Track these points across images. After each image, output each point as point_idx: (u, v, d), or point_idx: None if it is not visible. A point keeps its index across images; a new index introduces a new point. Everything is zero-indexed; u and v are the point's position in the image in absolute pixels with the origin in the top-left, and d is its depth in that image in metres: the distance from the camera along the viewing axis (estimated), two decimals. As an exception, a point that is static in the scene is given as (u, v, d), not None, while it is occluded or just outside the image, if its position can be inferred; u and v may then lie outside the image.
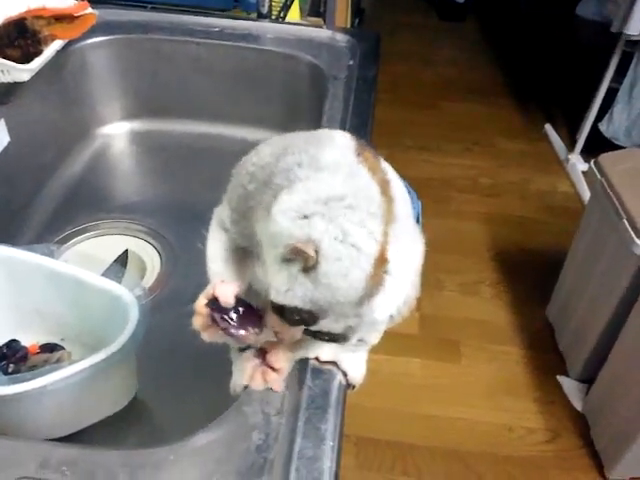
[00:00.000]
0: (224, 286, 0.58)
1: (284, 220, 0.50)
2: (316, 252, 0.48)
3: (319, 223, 0.49)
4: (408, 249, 0.56)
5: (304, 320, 0.52)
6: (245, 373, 0.64)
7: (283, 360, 0.62)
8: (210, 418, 0.62)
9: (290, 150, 0.54)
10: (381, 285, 0.50)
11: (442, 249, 2.05)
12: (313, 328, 0.53)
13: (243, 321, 0.58)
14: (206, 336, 0.61)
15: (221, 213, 0.62)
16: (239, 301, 0.59)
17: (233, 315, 0.58)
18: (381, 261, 0.50)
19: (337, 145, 0.55)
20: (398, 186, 0.58)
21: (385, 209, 0.51)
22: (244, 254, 0.62)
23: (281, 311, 0.52)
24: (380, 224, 0.50)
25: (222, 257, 0.62)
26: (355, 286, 0.49)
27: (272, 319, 0.55)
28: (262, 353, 0.64)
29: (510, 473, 1.62)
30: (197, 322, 0.60)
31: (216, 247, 0.63)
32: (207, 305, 0.58)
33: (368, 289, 0.49)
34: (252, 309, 0.59)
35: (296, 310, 0.51)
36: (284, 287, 0.50)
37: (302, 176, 0.51)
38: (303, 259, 0.48)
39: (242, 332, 0.58)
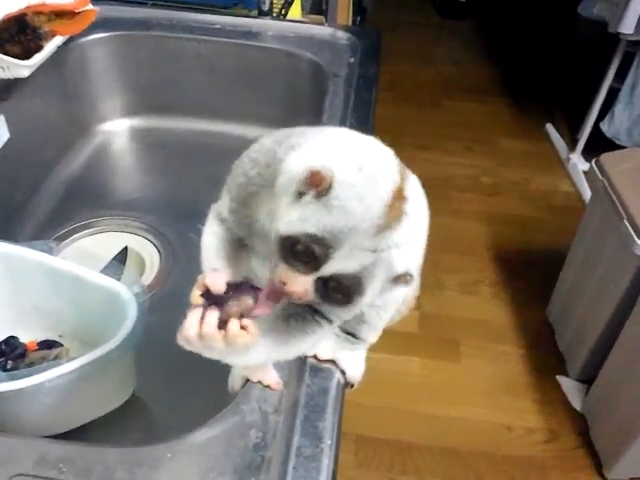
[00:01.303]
0: (214, 274, 0.57)
1: (295, 164, 0.50)
2: (331, 177, 0.47)
3: (333, 156, 0.49)
4: (423, 207, 0.54)
5: (316, 255, 0.48)
6: (193, 323, 0.55)
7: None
8: (208, 416, 0.62)
9: (293, 133, 0.55)
10: (399, 220, 0.48)
11: (442, 248, 2.05)
12: (326, 272, 0.49)
13: (236, 295, 0.56)
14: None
15: (219, 206, 0.62)
16: (231, 286, 0.56)
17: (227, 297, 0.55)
18: (399, 196, 0.48)
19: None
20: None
21: (400, 165, 0.51)
22: (239, 247, 0.62)
23: (292, 248, 0.48)
24: (397, 168, 0.50)
25: (216, 248, 0.61)
26: (371, 212, 0.47)
27: (279, 269, 0.50)
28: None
29: (509, 473, 1.62)
30: (192, 318, 0.55)
31: (211, 240, 0.62)
32: (202, 296, 0.56)
33: (386, 220, 0.47)
34: (245, 284, 0.57)
35: (308, 239, 0.47)
36: (296, 216, 0.48)
37: (309, 140, 0.52)
38: (317, 184, 0.47)
39: (234, 308, 0.55)
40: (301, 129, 0.56)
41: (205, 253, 0.62)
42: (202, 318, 0.54)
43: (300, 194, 0.48)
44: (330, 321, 0.58)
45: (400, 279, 0.51)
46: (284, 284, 0.50)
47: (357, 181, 0.47)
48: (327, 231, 0.47)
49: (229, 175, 0.60)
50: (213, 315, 0.54)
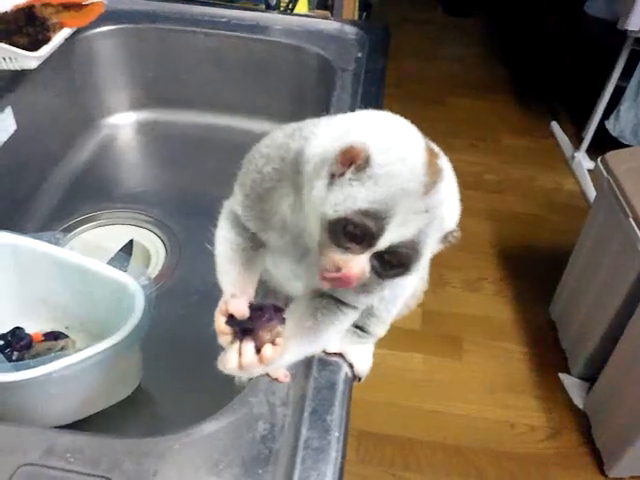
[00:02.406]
0: (235, 301, 0.58)
1: (321, 149, 0.50)
2: (366, 149, 0.46)
3: (359, 130, 0.49)
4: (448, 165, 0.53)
5: (371, 231, 0.46)
6: (233, 357, 0.58)
7: (275, 352, 0.58)
8: (214, 408, 0.62)
9: (303, 126, 0.56)
10: (441, 174, 0.48)
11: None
12: (382, 246, 0.48)
13: (264, 322, 0.58)
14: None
15: (231, 203, 0.62)
16: (253, 307, 0.59)
17: (254, 323, 0.59)
18: (432, 153, 0.49)
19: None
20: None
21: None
22: (252, 250, 0.62)
23: (344, 230, 0.47)
24: (422, 141, 0.50)
25: (230, 258, 0.62)
26: (415, 170, 0.47)
27: (333, 255, 0.49)
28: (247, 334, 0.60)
29: (510, 470, 1.62)
30: (223, 341, 0.59)
31: (224, 247, 0.63)
32: (227, 323, 0.59)
33: (430, 175, 0.47)
34: (268, 307, 0.59)
35: (361, 217, 0.46)
36: (340, 197, 0.47)
37: (322, 128, 0.53)
38: (355, 159, 0.46)
39: (267, 335, 0.58)
40: (311, 121, 0.56)
41: (220, 264, 0.63)
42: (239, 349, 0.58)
43: (336, 175, 0.47)
44: (355, 308, 0.59)
45: (448, 237, 0.50)
46: (339, 269, 0.49)
47: (392, 145, 0.48)
48: (378, 202, 0.46)
49: (240, 171, 0.61)
50: (249, 347, 0.57)
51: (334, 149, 0.47)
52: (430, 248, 0.49)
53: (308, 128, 0.54)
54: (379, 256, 0.48)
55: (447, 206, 0.49)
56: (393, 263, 0.49)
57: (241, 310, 0.58)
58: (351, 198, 0.46)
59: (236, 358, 0.57)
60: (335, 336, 0.61)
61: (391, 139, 0.48)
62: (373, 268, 0.49)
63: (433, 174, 0.47)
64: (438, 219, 0.48)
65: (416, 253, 0.48)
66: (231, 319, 0.59)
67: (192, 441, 0.59)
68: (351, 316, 0.60)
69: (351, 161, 0.46)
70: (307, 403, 0.62)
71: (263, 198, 0.57)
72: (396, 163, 0.46)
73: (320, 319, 0.59)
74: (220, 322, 0.59)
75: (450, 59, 3.42)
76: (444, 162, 0.50)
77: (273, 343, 0.57)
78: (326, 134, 0.51)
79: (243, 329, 0.58)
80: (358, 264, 0.48)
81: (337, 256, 0.48)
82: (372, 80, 1.13)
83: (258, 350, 0.57)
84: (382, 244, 0.47)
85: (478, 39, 3.64)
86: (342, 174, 0.47)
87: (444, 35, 3.69)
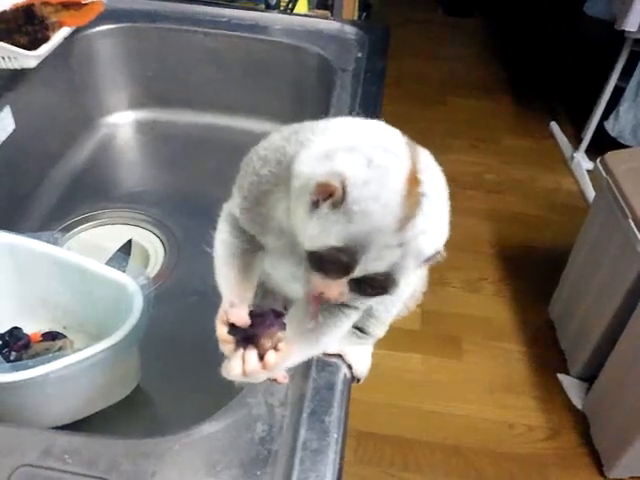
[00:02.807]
0: (236, 311, 0.59)
1: (306, 168, 0.50)
2: (343, 183, 0.46)
3: (341, 156, 0.48)
4: (440, 179, 0.52)
5: (344, 264, 0.48)
6: (237, 365, 0.60)
7: (278, 357, 0.59)
8: (213, 409, 0.62)
9: (301, 129, 0.55)
10: (419, 206, 0.47)
11: (445, 245, 2.03)
12: (357, 274, 0.49)
13: (265, 328, 0.59)
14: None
15: (230, 206, 0.62)
16: (253, 314, 0.60)
17: (255, 330, 0.60)
18: (413, 180, 0.47)
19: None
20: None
21: (409, 144, 0.51)
22: (251, 253, 0.62)
23: (320, 261, 0.49)
24: (405, 149, 0.49)
25: (229, 265, 0.62)
26: (390, 207, 0.46)
27: (314, 279, 0.51)
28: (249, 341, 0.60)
29: (510, 470, 1.62)
30: (226, 349, 0.60)
31: (223, 251, 0.63)
32: (229, 333, 0.60)
33: (406, 210, 0.46)
34: (268, 313, 0.60)
35: (335, 252, 0.47)
36: (317, 230, 0.48)
37: (317, 136, 0.52)
38: (330, 194, 0.46)
39: (269, 342, 0.59)
40: (309, 124, 0.56)
41: (219, 267, 0.63)
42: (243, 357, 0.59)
43: (316, 203, 0.48)
44: (356, 308, 0.59)
45: (432, 259, 0.50)
46: (322, 293, 0.51)
47: (369, 178, 0.46)
48: (351, 239, 0.46)
49: (239, 174, 0.60)
50: (252, 355, 0.58)
51: (314, 176, 0.48)
52: (409, 272, 0.49)
53: (305, 133, 0.53)
54: (357, 281, 0.50)
55: (428, 234, 0.48)
56: (371, 287, 0.50)
57: (242, 319, 0.59)
58: (325, 233, 0.47)
59: (240, 365, 0.58)
60: (337, 338, 0.62)
61: (371, 169, 0.47)
62: (352, 290, 0.51)
63: (410, 207, 0.47)
64: (415, 251, 0.48)
65: (392, 282, 0.49)
66: (232, 327, 0.60)
67: (190, 442, 0.58)
68: (352, 317, 0.60)
69: (327, 196, 0.47)
70: (306, 404, 0.61)
71: (260, 201, 0.57)
72: (370, 200, 0.46)
73: (321, 321, 0.59)
74: (222, 331, 0.60)
75: (450, 59, 3.42)
76: (430, 179, 0.49)
77: (275, 349, 0.58)
78: (318, 146, 0.51)
79: (245, 337, 0.59)
80: (336, 289, 0.50)
81: (317, 281, 0.51)
82: (372, 80, 1.12)
83: (261, 356, 0.58)
84: (358, 273, 0.49)
85: (478, 39, 3.64)
86: (320, 203, 0.48)
87: (444, 35, 3.69)
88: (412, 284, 0.62)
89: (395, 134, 0.52)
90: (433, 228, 0.48)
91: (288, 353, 0.59)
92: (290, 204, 0.52)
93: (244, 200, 0.58)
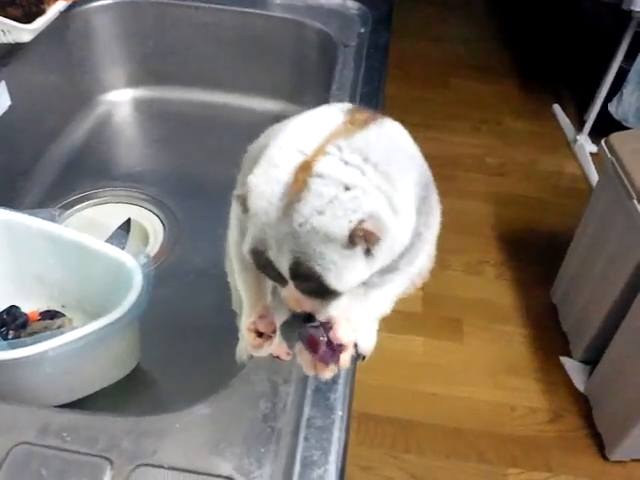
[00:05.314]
0: (265, 321, 0.60)
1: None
2: (245, 191, 0.50)
3: (260, 162, 0.50)
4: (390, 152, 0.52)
5: (263, 264, 0.51)
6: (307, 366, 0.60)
7: (349, 332, 0.57)
8: (216, 387, 0.61)
9: (277, 127, 0.55)
10: (304, 189, 0.47)
11: (447, 228, 1.99)
12: (286, 274, 0.51)
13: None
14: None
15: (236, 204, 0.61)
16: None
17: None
18: (304, 168, 0.48)
19: (318, 110, 0.55)
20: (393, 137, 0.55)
21: (340, 130, 0.50)
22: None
23: (255, 265, 0.53)
24: (317, 139, 0.49)
25: (245, 268, 0.62)
26: (273, 201, 0.48)
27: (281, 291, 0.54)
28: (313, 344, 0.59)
29: (511, 452, 1.62)
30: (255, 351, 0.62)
31: (237, 254, 0.62)
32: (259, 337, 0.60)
33: (288, 197, 0.47)
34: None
35: (252, 255, 0.51)
36: (247, 236, 0.52)
37: (271, 140, 0.52)
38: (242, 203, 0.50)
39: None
40: (284, 123, 0.55)
41: (237, 271, 0.63)
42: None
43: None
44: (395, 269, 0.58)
45: (354, 237, 0.47)
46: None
47: (261, 179, 0.49)
48: (255, 239, 0.51)
49: (240, 172, 0.60)
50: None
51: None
52: (336, 255, 0.48)
53: (275, 131, 0.54)
54: (300, 281, 0.51)
55: (326, 214, 0.47)
56: (307, 282, 0.50)
57: (271, 327, 0.60)
58: (247, 238, 0.51)
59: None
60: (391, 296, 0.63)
61: (266, 170, 0.49)
62: (303, 292, 0.51)
63: (293, 193, 0.47)
64: (314, 232, 0.47)
65: (308, 269, 0.48)
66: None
67: (192, 420, 0.57)
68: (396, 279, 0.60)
69: (243, 205, 0.50)
70: (310, 381, 0.60)
71: None
72: (259, 199, 0.49)
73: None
74: (252, 338, 0.60)
75: (453, 41, 3.38)
76: (354, 158, 0.49)
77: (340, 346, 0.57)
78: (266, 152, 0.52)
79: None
80: (290, 294, 0.52)
81: (282, 291, 0.54)
82: (375, 55, 1.10)
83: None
84: (285, 273, 0.50)
85: (482, 21, 3.60)
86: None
87: (447, 16, 3.64)
88: (419, 260, 0.61)
89: (325, 123, 0.51)
90: (335, 206, 0.47)
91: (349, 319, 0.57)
92: None
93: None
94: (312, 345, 0.56)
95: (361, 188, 0.47)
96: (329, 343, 0.56)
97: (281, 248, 0.48)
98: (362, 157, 0.49)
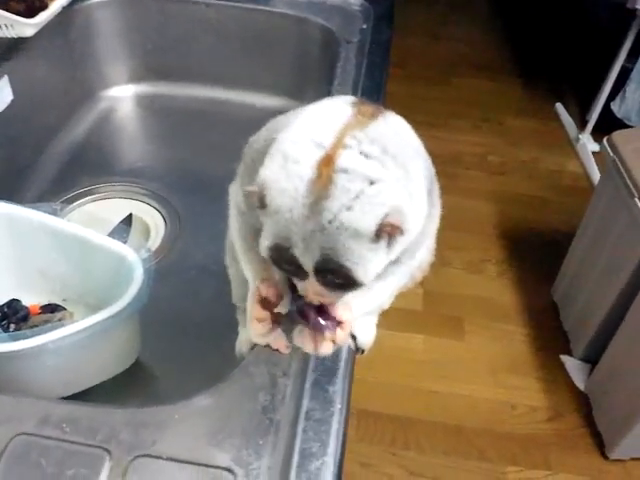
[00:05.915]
0: (266, 286, 0.59)
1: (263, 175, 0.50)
2: (262, 188, 0.48)
3: (267, 159, 0.49)
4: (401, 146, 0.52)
5: (285, 261, 0.50)
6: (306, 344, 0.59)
7: (347, 311, 0.57)
8: (215, 380, 0.61)
9: (280, 120, 0.55)
10: (330, 185, 0.46)
11: (448, 226, 1.98)
12: (310, 269, 0.50)
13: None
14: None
15: (236, 196, 0.61)
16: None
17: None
18: (327, 162, 0.47)
19: (323, 102, 0.55)
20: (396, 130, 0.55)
21: (352, 121, 0.50)
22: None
23: (271, 261, 0.52)
24: (333, 133, 0.48)
25: (250, 248, 0.61)
26: (297, 197, 0.47)
27: (297, 283, 0.54)
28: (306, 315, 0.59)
29: (511, 450, 1.62)
30: (259, 329, 0.60)
31: (239, 238, 0.62)
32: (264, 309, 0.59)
33: (315, 194, 0.47)
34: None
35: (272, 251, 0.50)
36: (263, 233, 0.51)
37: (279, 133, 0.52)
38: (258, 200, 0.49)
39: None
40: (289, 115, 0.55)
41: (241, 254, 0.63)
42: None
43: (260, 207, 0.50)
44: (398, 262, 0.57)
45: (381, 232, 0.47)
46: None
47: (281, 175, 0.48)
48: (276, 237, 0.50)
49: (240, 164, 0.60)
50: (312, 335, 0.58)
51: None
52: (361, 251, 0.48)
53: (280, 124, 0.53)
54: (324, 275, 0.50)
55: (355, 210, 0.46)
56: (334, 276, 0.50)
57: (274, 291, 0.58)
58: (265, 234, 0.51)
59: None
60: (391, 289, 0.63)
61: (285, 166, 0.48)
62: (326, 287, 0.51)
63: (320, 190, 0.47)
64: (344, 228, 0.47)
65: (340, 265, 0.48)
66: (264, 302, 0.59)
67: (192, 411, 0.57)
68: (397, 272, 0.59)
69: (257, 201, 0.49)
70: (309, 374, 0.60)
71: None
72: (280, 196, 0.48)
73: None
74: (256, 309, 0.59)
75: (455, 39, 3.37)
76: (371, 150, 0.48)
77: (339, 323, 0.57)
78: (275, 145, 0.51)
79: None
80: (311, 287, 0.52)
81: (298, 284, 0.53)
82: (377, 51, 1.10)
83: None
84: (308, 268, 0.50)
85: (484, 19, 3.59)
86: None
87: (449, 15, 3.64)
88: (422, 253, 0.61)
89: (337, 115, 0.51)
90: (362, 201, 0.47)
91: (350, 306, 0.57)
92: None
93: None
94: (305, 315, 0.56)
95: (384, 181, 0.48)
96: (321, 312, 0.56)
97: (308, 245, 0.48)
98: (381, 148, 0.49)
